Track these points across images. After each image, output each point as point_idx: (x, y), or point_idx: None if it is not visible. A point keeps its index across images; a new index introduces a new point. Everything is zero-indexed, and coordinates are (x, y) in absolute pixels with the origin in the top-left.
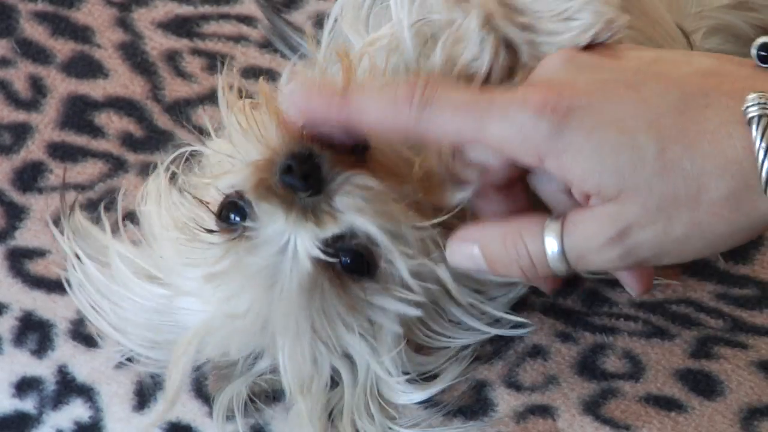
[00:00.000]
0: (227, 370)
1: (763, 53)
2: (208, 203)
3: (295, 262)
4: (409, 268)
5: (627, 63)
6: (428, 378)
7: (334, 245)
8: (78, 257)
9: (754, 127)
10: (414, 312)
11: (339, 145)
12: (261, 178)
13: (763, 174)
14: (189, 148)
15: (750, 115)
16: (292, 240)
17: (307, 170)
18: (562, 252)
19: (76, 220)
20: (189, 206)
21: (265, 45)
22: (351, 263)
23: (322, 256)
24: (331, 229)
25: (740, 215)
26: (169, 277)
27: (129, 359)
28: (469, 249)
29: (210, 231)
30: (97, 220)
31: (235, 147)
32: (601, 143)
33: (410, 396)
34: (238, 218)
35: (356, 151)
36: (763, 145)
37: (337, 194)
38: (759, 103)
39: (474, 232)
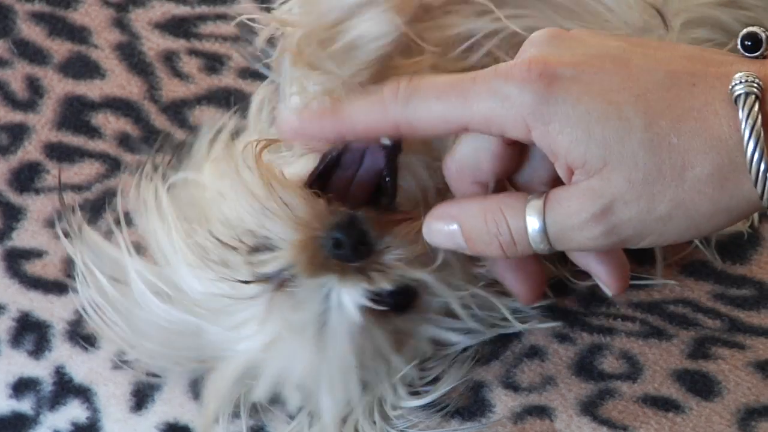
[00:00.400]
0: None
1: (748, 43)
2: (235, 248)
3: (343, 314)
4: (459, 300)
5: (614, 42)
6: (429, 381)
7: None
8: (89, 270)
9: (740, 104)
10: (462, 339)
11: (359, 192)
12: (310, 256)
13: (749, 151)
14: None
15: (736, 93)
16: (339, 294)
17: (356, 240)
18: (544, 229)
19: (88, 234)
20: (210, 244)
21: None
22: (396, 302)
23: (373, 306)
24: (382, 285)
25: (724, 194)
26: (192, 308)
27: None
28: (447, 226)
29: (246, 282)
30: (94, 222)
31: (267, 230)
32: (588, 112)
33: (413, 402)
34: (272, 270)
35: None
36: (750, 122)
37: (384, 253)
38: (745, 81)
39: (452, 208)
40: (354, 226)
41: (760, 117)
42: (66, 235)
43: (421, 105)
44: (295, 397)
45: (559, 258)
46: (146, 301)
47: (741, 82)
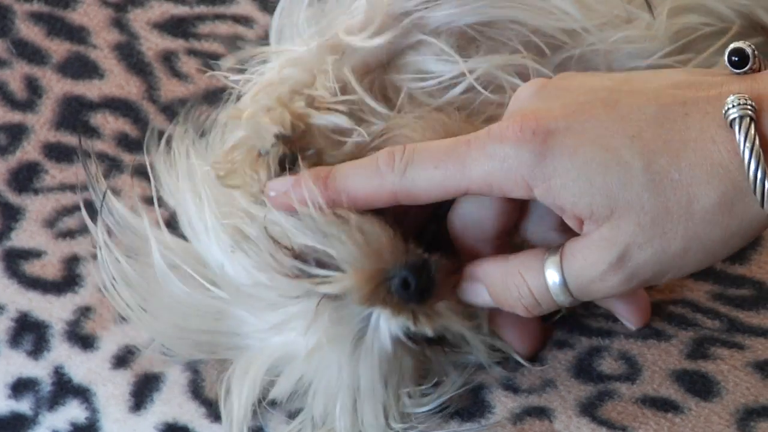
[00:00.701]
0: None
1: (735, 59)
2: (288, 249)
3: (378, 338)
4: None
5: (599, 83)
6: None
7: None
8: (108, 246)
9: (736, 128)
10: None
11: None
12: (372, 288)
13: (751, 174)
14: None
15: (731, 117)
16: (379, 320)
17: (424, 284)
18: (564, 284)
19: (113, 204)
20: (259, 238)
21: (262, 45)
22: (427, 339)
23: (407, 342)
24: (424, 329)
25: (734, 219)
26: (226, 289)
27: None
28: (476, 287)
29: (296, 277)
30: (94, 222)
31: (334, 249)
32: (587, 163)
33: (416, 408)
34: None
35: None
36: (748, 144)
37: (441, 301)
38: (739, 104)
39: (477, 270)
40: (425, 270)
41: (757, 138)
42: (67, 235)
43: (419, 174)
44: (318, 404)
45: None
46: (166, 276)
47: (734, 106)
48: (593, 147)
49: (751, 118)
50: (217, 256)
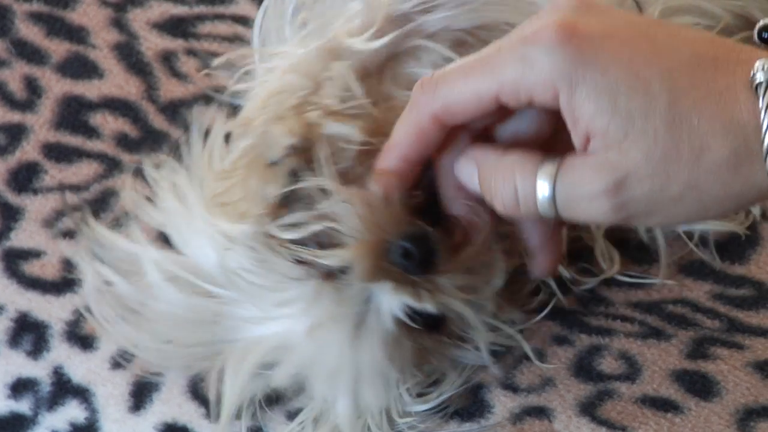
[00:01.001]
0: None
1: (765, 35)
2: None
3: (380, 319)
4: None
5: (640, 18)
6: (430, 383)
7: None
8: (93, 266)
9: (761, 92)
10: (479, 358)
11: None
12: (373, 261)
13: (766, 139)
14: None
15: (757, 81)
16: (380, 300)
17: (424, 254)
18: (552, 196)
19: (94, 228)
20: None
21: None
22: (426, 323)
23: (407, 321)
24: (426, 306)
25: (737, 179)
26: (223, 286)
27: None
28: (471, 168)
29: (299, 262)
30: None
31: (339, 222)
32: (616, 82)
33: (418, 406)
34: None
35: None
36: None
37: (441, 275)
38: (765, 69)
39: (477, 152)
40: (426, 241)
41: None
42: (66, 235)
43: (451, 89)
44: (318, 387)
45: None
46: (161, 289)
47: (762, 70)
48: (625, 70)
49: None
50: (212, 257)
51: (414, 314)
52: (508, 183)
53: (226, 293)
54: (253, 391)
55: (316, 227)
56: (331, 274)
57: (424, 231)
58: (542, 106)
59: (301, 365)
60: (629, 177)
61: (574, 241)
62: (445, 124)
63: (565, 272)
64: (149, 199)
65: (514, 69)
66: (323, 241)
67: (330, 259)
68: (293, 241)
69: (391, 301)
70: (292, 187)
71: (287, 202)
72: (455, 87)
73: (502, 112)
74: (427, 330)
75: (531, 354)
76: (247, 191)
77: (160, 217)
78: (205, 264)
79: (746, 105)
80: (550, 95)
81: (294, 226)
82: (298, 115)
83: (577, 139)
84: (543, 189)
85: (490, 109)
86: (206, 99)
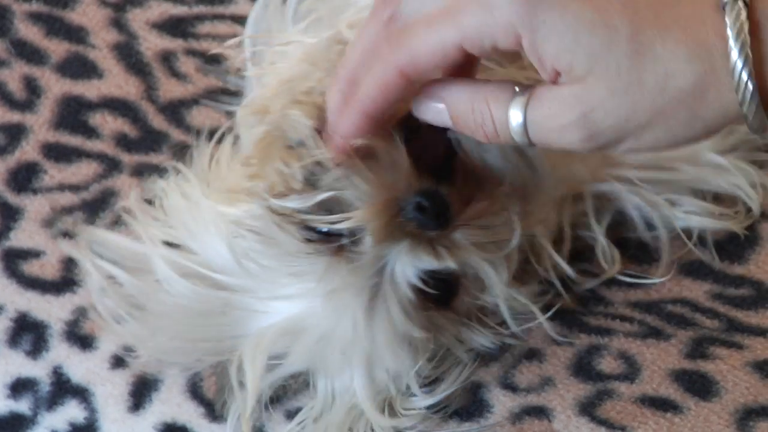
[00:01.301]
0: (223, 373)
1: None
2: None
3: (395, 288)
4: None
5: None
6: (429, 382)
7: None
8: (98, 266)
9: (728, 11)
10: (483, 341)
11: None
12: (385, 221)
13: (732, 57)
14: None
15: (725, 1)
16: (394, 269)
17: (438, 208)
18: (524, 126)
19: (95, 231)
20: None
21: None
22: (440, 292)
23: (422, 286)
24: (448, 263)
25: (703, 104)
26: (233, 274)
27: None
28: (435, 104)
29: (309, 241)
30: (92, 222)
31: (350, 186)
32: (576, 19)
33: (418, 403)
34: (342, 228)
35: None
36: (736, 27)
37: (457, 230)
38: None
39: (441, 90)
40: (438, 196)
41: (746, 25)
42: (66, 235)
43: (414, 39)
44: (335, 360)
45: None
46: (172, 283)
47: None
48: (585, 5)
49: (745, 3)
50: (221, 246)
51: (430, 278)
52: (486, 114)
53: (238, 281)
54: (271, 378)
55: (325, 195)
56: (341, 248)
57: (435, 186)
58: (507, 51)
59: (316, 341)
60: (595, 110)
61: (575, 241)
62: (410, 79)
63: (570, 271)
64: (150, 202)
65: (475, 16)
66: (333, 209)
67: (342, 222)
68: (301, 212)
69: (407, 267)
70: (325, 170)
71: (313, 182)
72: (419, 38)
73: (468, 61)
74: (439, 307)
75: (548, 327)
76: (268, 174)
77: (164, 216)
78: (214, 255)
79: (713, 27)
80: (512, 40)
81: (302, 196)
82: (310, 99)
83: (545, 75)
84: (516, 118)
85: (456, 60)
86: (206, 99)
